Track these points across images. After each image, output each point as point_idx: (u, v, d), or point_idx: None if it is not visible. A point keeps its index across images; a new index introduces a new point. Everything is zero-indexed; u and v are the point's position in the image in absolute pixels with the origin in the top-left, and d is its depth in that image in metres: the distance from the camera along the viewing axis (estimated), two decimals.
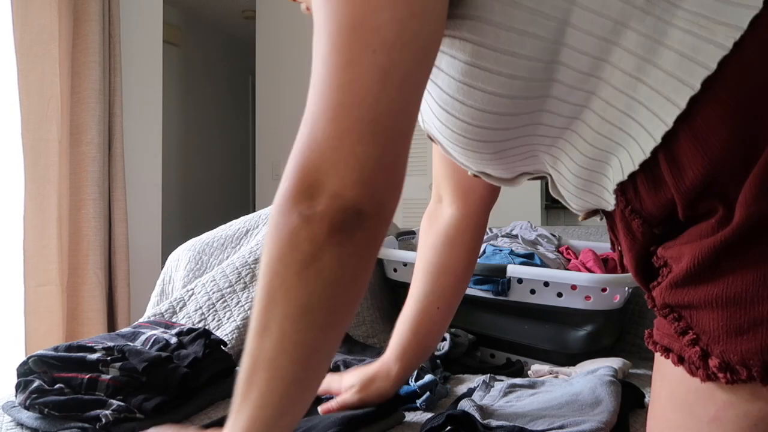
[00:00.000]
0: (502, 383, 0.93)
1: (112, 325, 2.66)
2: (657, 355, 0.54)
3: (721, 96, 0.46)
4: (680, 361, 0.50)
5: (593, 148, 0.54)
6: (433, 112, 0.61)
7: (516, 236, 1.51)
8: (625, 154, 0.51)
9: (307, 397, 0.53)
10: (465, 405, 0.82)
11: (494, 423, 0.76)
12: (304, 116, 0.49)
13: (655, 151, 0.49)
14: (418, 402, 0.90)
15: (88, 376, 0.87)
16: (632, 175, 0.51)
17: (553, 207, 3.51)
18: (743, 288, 0.45)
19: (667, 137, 0.48)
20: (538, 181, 3.29)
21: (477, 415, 0.76)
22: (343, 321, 0.52)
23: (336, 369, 1.02)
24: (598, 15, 0.49)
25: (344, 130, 0.47)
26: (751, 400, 0.47)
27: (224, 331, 1.16)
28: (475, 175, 0.68)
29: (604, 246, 1.47)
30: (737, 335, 0.46)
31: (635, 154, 0.50)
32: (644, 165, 0.50)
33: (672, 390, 0.53)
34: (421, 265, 0.86)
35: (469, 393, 0.92)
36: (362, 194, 0.47)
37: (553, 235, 1.54)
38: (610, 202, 0.55)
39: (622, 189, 0.52)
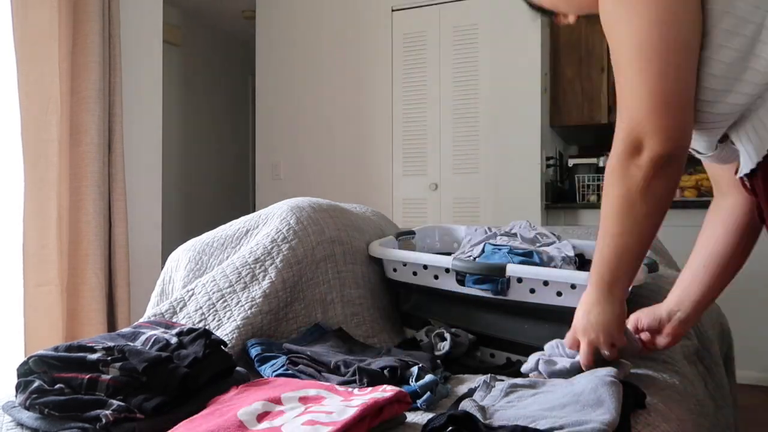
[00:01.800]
0: (503, 383, 0.93)
1: (112, 325, 2.66)
2: None
3: None
4: None
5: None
6: None
7: (515, 235, 1.50)
8: None
9: (643, 254, 0.93)
10: (467, 405, 0.82)
11: (496, 423, 0.76)
12: (621, 103, 0.83)
13: None
14: (419, 402, 0.90)
15: (88, 376, 0.87)
16: None
17: (553, 207, 3.50)
18: None
19: None
20: (539, 182, 3.29)
21: (479, 416, 0.76)
22: (662, 216, 0.87)
23: (336, 369, 1.02)
24: None
25: (656, 110, 0.79)
26: None
27: (224, 331, 1.16)
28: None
29: None
30: None
31: None
32: None
33: None
34: (701, 244, 1.07)
35: (470, 393, 0.92)
36: (669, 147, 0.80)
37: (553, 234, 1.54)
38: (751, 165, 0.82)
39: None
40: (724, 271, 1.04)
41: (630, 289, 1.21)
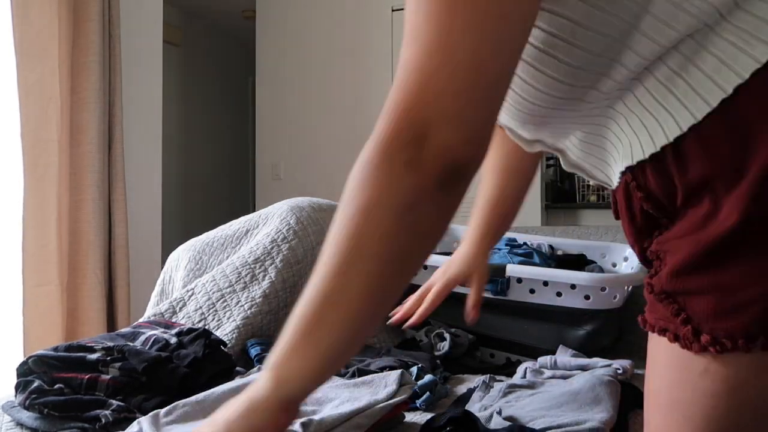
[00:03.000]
0: (502, 383, 0.93)
1: (111, 325, 2.66)
2: (651, 334, 0.63)
3: (727, 112, 0.52)
4: (676, 339, 0.58)
5: (626, 127, 0.59)
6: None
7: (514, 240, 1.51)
8: (642, 142, 0.57)
9: (368, 336, 0.57)
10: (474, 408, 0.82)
11: (494, 423, 0.76)
12: (406, 67, 0.51)
13: (664, 147, 0.55)
14: (418, 402, 0.90)
15: (87, 376, 0.87)
16: (640, 162, 0.57)
17: (552, 207, 3.51)
18: (730, 279, 0.54)
19: (678, 137, 0.54)
20: (539, 182, 3.29)
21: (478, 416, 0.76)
22: (416, 269, 0.56)
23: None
24: (667, 26, 0.55)
25: (462, 90, 0.49)
26: (733, 363, 0.56)
27: (224, 331, 1.16)
28: (500, 126, 0.71)
29: (602, 245, 1.47)
30: (724, 316, 0.54)
31: (647, 145, 0.57)
32: (652, 156, 0.56)
33: (668, 356, 0.61)
34: (489, 164, 0.93)
35: (469, 393, 0.92)
36: (470, 152, 0.51)
37: (551, 247, 1.53)
38: (613, 180, 0.62)
39: (630, 170, 0.58)
40: (509, 215, 0.96)
41: (629, 289, 1.21)
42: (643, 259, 0.64)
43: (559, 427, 0.74)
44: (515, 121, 0.67)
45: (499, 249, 1.36)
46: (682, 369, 0.60)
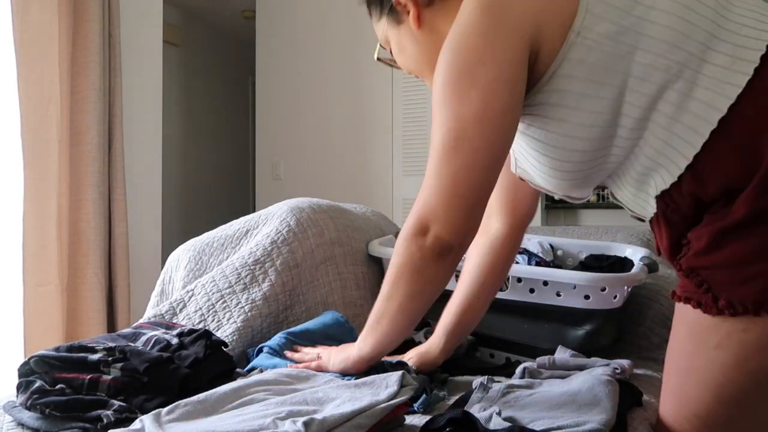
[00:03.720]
0: (500, 384, 0.94)
1: (111, 325, 2.66)
2: (678, 308, 0.81)
3: (732, 131, 0.71)
4: (698, 305, 0.75)
5: (643, 168, 0.79)
6: (531, 160, 0.89)
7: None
8: (661, 174, 0.77)
9: (403, 337, 0.96)
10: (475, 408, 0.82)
11: (494, 423, 0.77)
12: (424, 184, 0.83)
13: (681, 175, 0.74)
14: (416, 405, 0.90)
15: (89, 377, 0.87)
16: (666, 190, 0.76)
17: (553, 207, 3.51)
18: (742, 256, 0.71)
19: (693, 161, 0.73)
20: None
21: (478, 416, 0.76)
22: (428, 300, 0.89)
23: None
24: (646, 81, 0.75)
25: (448, 202, 0.80)
26: (745, 330, 0.72)
27: (224, 333, 1.16)
28: (560, 199, 0.97)
29: (602, 245, 1.47)
30: (737, 286, 0.71)
31: (666, 177, 0.76)
32: (673, 184, 0.75)
33: (689, 328, 0.79)
34: (469, 266, 1.11)
35: (468, 394, 0.92)
36: (453, 238, 0.81)
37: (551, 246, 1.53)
38: (649, 211, 0.82)
39: (662, 198, 0.78)
40: (483, 304, 1.11)
41: (629, 289, 1.21)
42: (673, 259, 0.81)
43: (558, 428, 0.74)
44: (571, 189, 0.89)
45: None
46: (699, 342, 0.77)
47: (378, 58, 1.04)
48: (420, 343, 1.24)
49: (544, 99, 0.79)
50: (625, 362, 1.02)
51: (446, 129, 0.78)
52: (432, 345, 1.10)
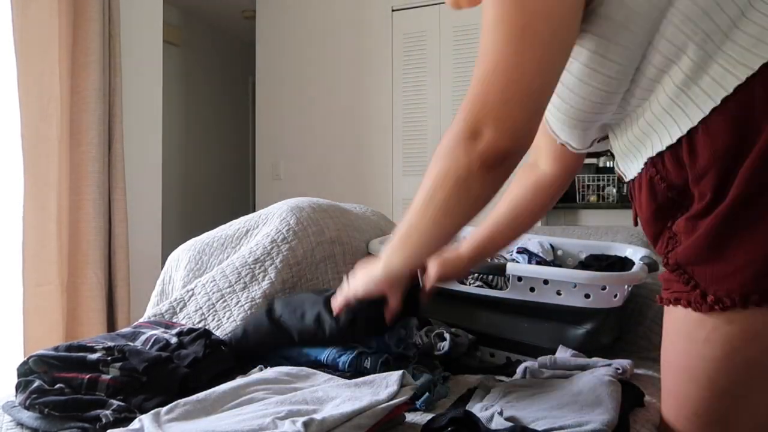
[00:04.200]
0: (502, 384, 0.93)
1: (111, 325, 2.66)
2: (666, 309, 0.81)
3: (729, 108, 0.70)
4: (688, 304, 0.75)
5: (640, 130, 0.78)
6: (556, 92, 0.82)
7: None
8: (660, 136, 0.75)
9: (434, 255, 0.95)
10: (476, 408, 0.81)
11: (496, 423, 0.76)
12: (476, 79, 0.74)
13: (680, 139, 0.72)
14: (417, 403, 0.90)
15: (88, 376, 0.87)
16: (660, 154, 0.75)
17: (553, 207, 3.50)
18: (727, 250, 0.71)
19: (691, 131, 0.71)
20: None
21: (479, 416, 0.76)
22: (469, 215, 0.83)
23: (335, 365, 1.02)
24: (669, 42, 0.73)
25: (509, 99, 0.72)
26: (729, 323, 0.72)
27: (224, 332, 1.16)
28: (561, 144, 0.93)
29: (602, 245, 1.47)
30: (723, 279, 0.71)
31: (657, 144, 0.75)
32: (670, 147, 0.74)
33: (677, 326, 0.79)
34: (509, 196, 1.07)
35: (469, 393, 0.92)
36: (511, 144, 0.74)
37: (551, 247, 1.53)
38: (634, 171, 0.81)
39: (652, 162, 0.76)
40: (515, 234, 1.10)
41: (629, 288, 1.21)
42: (655, 242, 0.81)
43: (561, 428, 0.74)
44: (573, 133, 0.87)
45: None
46: (688, 339, 0.77)
47: None
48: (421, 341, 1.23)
49: (586, 26, 0.76)
50: (626, 362, 1.01)
51: (510, 23, 0.71)
52: (458, 251, 1.06)
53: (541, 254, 1.44)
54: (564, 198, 3.70)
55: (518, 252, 1.46)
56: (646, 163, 0.77)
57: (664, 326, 0.84)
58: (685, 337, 0.78)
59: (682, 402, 0.81)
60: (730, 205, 0.69)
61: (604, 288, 1.11)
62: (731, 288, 0.70)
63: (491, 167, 0.75)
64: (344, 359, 0.98)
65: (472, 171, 0.75)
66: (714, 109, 0.70)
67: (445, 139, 0.77)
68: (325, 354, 1.00)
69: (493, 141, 0.73)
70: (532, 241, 1.49)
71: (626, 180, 0.85)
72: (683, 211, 0.75)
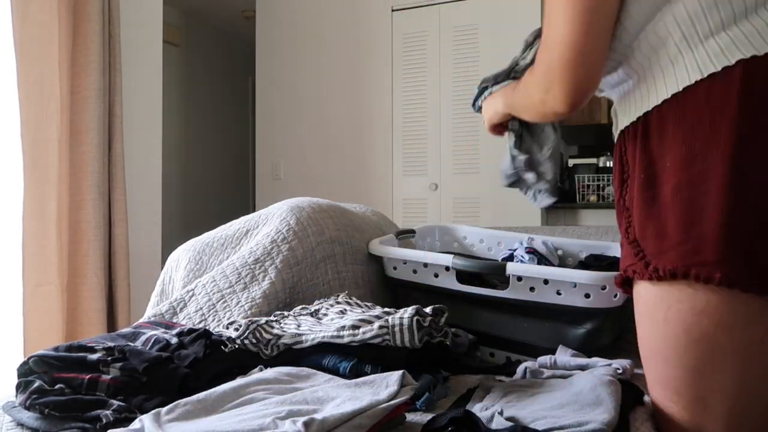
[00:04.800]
0: (502, 384, 0.93)
1: (112, 325, 2.66)
2: (635, 298, 0.89)
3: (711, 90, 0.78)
4: (634, 272, 0.85)
5: (627, 88, 0.91)
6: None
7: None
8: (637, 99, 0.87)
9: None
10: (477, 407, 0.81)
11: (496, 423, 0.76)
12: (543, 43, 0.88)
13: (647, 113, 0.84)
14: (418, 403, 0.90)
15: (88, 377, 0.87)
16: (633, 123, 0.87)
17: (552, 207, 3.51)
18: (665, 229, 0.80)
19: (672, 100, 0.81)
20: None
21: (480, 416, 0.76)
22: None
23: (335, 370, 1.02)
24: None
25: (568, 61, 0.83)
26: (680, 301, 0.80)
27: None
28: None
29: (602, 245, 1.47)
30: (661, 255, 0.81)
31: (638, 110, 0.86)
32: (639, 118, 0.86)
33: (641, 310, 0.88)
34: None
35: (469, 393, 0.92)
36: (576, 100, 0.85)
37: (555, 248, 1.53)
38: (616, 129, 0.93)
39: (627, 127, 0.88)
40: None
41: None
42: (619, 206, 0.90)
43: (561, 428, 0.74)
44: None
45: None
46: (651, 321, 0.85)
47: None
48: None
49: None
50: (626, 362, 1.01)
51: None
52: None
53: (546, 256, 1.44)
54: (564, 198, 3.71)
55: (528, 252, 1.46)
56: (622, 131, 0.89)
57: (635, 313, 0.90)
58: (648, 319, 0.86)
59: (664, 384, 0.86)
60: (672, 189, 0.79)
61: (604, 288, 1.11)
62: (665, 262, 0.79)
63: (562, 114, 0.89)
64: (345, 365, 0.97)
65: (547, 114, 0.93)
66: (701, 80, 0.78)
67: (528, 79, 0.94)
68: (327, 359, 1.00)
69: (561, 97, 0.86)
70: (536, 241, 1.49)
71: (615, 133, 0.95)
72: (627, 183, 0.86)
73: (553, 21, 0.85)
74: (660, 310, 0.82)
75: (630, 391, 0.91)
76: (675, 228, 0.78)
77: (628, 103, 0.88)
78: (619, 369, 0.97)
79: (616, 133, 0.93)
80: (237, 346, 1.00)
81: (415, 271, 1.33)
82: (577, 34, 0.82)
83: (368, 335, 0.96)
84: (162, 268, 1.53)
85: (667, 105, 0.80)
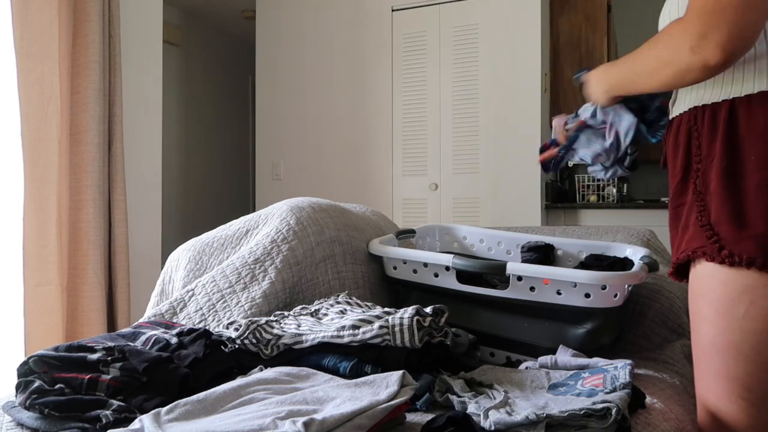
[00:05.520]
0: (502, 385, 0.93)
1: (112, 325, 2.66)
2: (693, 293, 0.89)
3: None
4: (704, 254, 0.84)
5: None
6: None
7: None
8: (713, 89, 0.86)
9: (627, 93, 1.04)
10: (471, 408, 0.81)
11: (489, 423, 0.76)
12: None
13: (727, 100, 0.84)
14: (418, 404, 0.90)
15: (88, 377, 0.87)
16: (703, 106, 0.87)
17: (552, 207, 3.51)
18: (745, 217, 0.80)
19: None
20: (539, 182, 3.29)
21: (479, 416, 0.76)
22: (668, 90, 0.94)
23: (336, 370, 1.02)
24: None
25: (740, 3, 0.76)
26: (764, 297, 0.79)
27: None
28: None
29: (602, 245, 1.47)
30: (740, 241, 0.80)
31: (714, 95, 0.86)
32: (714, 104, 0.85)
33: (715, 307, 0.85)
34: None
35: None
36: (737, 48, 0.78)
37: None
38: (678, 110, 0.93)
39: (692, 110, 0.89)
40: None
41: (629, 288, 1.21)
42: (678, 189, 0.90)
43: (570, 410, 0.74)
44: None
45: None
46: (729, 317, 0.83)
47: None
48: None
49: None
50: (627, 363, 1.01)
51: None
52: None
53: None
54: (564, 198, 3.72)
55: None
56: (684, 112, 0.89)
57: (695, 309, 0.88)
58: (724, 315, 0.83)
59: (733, 379, 0.84)
60: (758, 181, 0.80)
61: (604, 288, 1.11)
62: (742, 249, 0.79)
63: (712, 68, 0.79)
64: (345, 365, 0.97)
65: (692, 68, 0.81)
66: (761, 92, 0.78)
67: (673, 29, 0.84)
68: (327, 359, 1.00)
69: (721, 43, 0.77)
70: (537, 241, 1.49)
71: (669, 115, 0.94)
72: (700, 165, 0.85)
73: None
74: (741, 305, 0.81)
75: (632, 393, 0.91)
76: (757, 219, 0.78)
77: (718, 79, 0.84)
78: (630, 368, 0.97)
79: (679, 109, 0.91)
80: (237, 346, 1.00)
81: (415, 271, 1.33)
82: None
83: (368, 335, 0.96)
84: (162, 268, 1.52)
85: (761, 97, 0.80)
